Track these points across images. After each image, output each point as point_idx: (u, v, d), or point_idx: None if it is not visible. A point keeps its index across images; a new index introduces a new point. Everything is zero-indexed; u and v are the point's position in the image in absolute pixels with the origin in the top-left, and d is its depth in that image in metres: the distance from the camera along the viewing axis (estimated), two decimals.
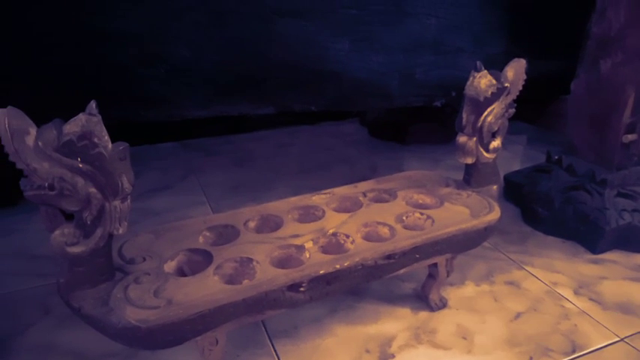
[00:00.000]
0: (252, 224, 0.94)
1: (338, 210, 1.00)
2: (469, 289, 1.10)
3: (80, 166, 0.65)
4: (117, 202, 0.70)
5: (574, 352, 0.93)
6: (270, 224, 0.95)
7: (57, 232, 0.68)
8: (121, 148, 0.68)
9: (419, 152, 1.84)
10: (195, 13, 0.89)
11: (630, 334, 0.97)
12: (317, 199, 1.02)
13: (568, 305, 1.05)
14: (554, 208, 1.29)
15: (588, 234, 1.23)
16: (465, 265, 1.17)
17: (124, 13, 0.86)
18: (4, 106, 0.61)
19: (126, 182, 0.69)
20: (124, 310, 0.68)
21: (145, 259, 0.81)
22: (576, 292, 1.09)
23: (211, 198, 1.49)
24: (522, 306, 1.05)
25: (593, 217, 1.22)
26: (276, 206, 0.99)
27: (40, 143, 0.62)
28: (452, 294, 1.08)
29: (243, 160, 1.79)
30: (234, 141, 1.98)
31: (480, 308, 1.04)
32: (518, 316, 1.02)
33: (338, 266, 0.81)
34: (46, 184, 0.64)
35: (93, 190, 0.67)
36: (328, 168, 1.72)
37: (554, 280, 1.13)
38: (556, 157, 1.37)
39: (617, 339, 0.96)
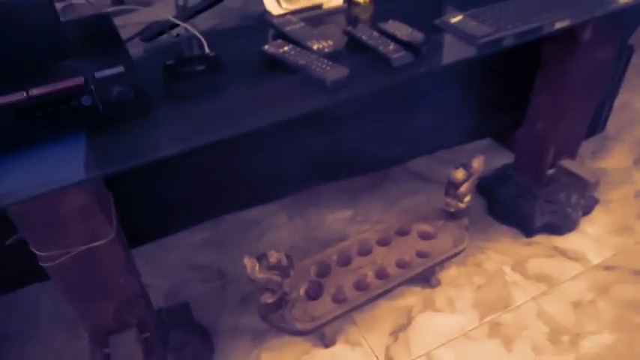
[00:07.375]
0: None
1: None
2: (453, 271, 1.94)
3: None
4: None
5: (505, 307, 1.80)
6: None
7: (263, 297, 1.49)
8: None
9: None
10: None
11: (538, 294, 1.84)
12: None
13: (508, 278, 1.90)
14: (507, 206, 2.09)
15: (525, 224, 2.04)
16: None
17: None
18: None
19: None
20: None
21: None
22: (513, 268, 1.93)
23: None
24: (482, 280, 1.89)
25: (529, 213, 2.02)
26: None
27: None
28: (443, 276, 1.92)
29: None
30: None
31: (459, 284, 1.89)
32: (479, 287, 1.87)
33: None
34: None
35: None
36: None
37: (502, 260, 1.97)
38: (509, 172, 2.13)
39: (529, 298, 1.83)
